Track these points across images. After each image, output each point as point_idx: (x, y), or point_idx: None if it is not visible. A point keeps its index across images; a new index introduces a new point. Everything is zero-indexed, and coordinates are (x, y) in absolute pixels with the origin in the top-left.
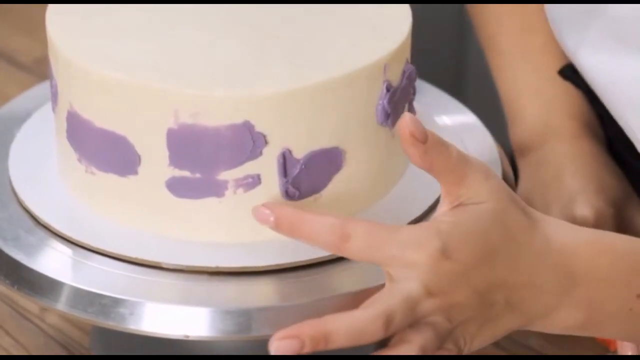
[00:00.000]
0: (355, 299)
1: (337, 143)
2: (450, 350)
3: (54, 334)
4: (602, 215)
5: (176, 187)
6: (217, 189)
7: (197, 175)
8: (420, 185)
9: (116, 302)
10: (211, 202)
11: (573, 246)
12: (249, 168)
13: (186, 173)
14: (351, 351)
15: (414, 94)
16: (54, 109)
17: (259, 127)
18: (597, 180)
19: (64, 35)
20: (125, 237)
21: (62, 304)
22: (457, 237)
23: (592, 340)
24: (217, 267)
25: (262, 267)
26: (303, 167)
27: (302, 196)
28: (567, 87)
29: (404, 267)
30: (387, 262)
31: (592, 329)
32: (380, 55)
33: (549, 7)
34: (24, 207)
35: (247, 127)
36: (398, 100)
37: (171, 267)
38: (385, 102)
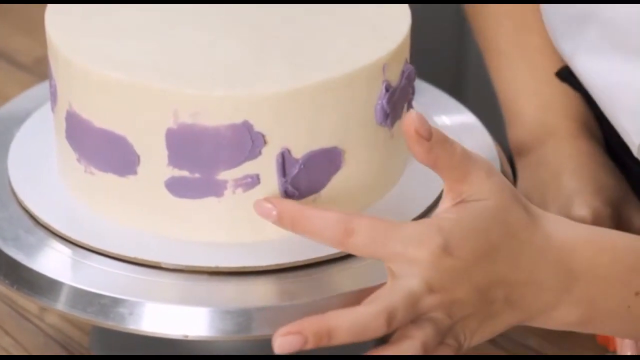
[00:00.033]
0: (355, 298)
1: (336, 143)
2: (450, 345)
3: (54, 333)
4: (600, 216)
5: (175, 187)
6: (216, 189)
7: (197, 175)
8: (419, 185)
9: (116, 302)
10: (210, 202)
11: (573, 243)
12: (248, 168)
13: (185, 173)
14: (351, 348)
15: (413, 93)
16: (53, 109)
17: (257, 127)
18: (594, 181)
19: (64, 35)
20: (125, 237)
21: (61, 304)
22: (458, 234)
23: (592, 340)
24: (217, 267)
25: (262, 267)
26: (302, 167)
27: (301, 196)
28: (565, 87)
29: (405, 263)
30: (389, 258)
31: (591, 326)
32: (380, 55)
33: (544, 12)
34: (23, 207)
35: (246, 127)
36: (397, 100)
37: (171, 267)
38: (384, 102)
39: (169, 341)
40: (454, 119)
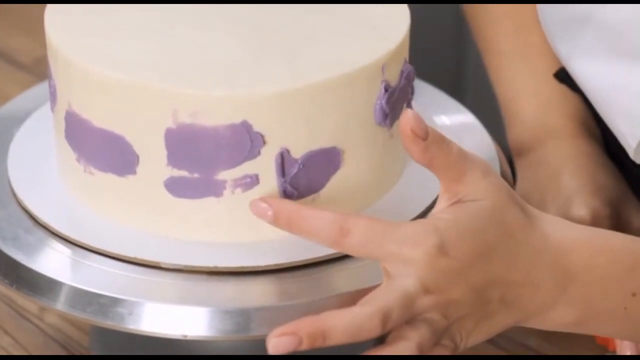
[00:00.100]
0: (354, 299)
1: (335, 143)
2: (446, 346)
3: (53, 333)
4: (599, 216)
5: (174, 187)
6: (215, 189)
7: (196, 175)
8: (418, 186)
9: (115, 301)
10: (209, 202)
11: (570, 244)
12: (247, 168)
13: (184, 173)
14: (347, 348)
15: (413, 93)
16: (52, 109)
17: (257, 127)
18: (594, 181)
19: (63, 35)
20: (124, 237)
21: (61, 304)
22: (454, 234)
23: (591, 340)
24: (216, 267)
25: (261, 266)
26: (301, 167)
27: (300, 196)
28: (564, 87)
29: (401, 263)
30: (385, 258)
31: (587, 327)
32: (379, 55)
33: (540, 13)
34: (23, 207)
35: (245, 127)
36: (396, 100)
37: (170, 266)
38: (383, 102)
39: (168, 341)
40: (454, 119)
